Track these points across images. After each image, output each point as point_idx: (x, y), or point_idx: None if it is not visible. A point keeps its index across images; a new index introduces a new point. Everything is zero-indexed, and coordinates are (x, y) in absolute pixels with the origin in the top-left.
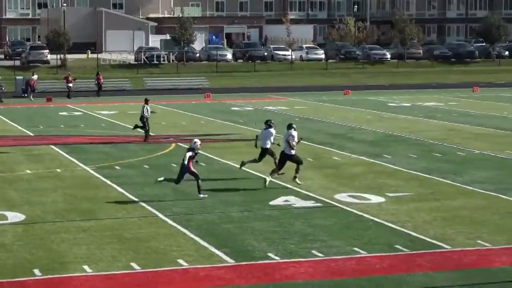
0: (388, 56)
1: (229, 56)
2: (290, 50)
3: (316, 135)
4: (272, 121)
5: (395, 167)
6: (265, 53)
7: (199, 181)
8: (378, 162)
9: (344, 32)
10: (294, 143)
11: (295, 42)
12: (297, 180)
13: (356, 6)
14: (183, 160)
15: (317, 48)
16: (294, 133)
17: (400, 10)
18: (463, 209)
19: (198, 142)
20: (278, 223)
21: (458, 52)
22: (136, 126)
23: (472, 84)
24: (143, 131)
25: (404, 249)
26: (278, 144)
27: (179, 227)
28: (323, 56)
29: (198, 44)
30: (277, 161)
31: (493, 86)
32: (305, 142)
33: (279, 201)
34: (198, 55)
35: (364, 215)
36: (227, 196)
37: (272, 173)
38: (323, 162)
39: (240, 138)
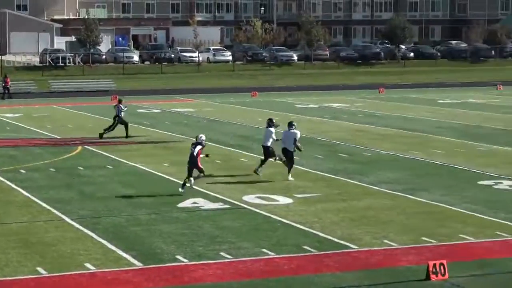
0: (295, 57)
1: (136, 58)
2: (197, 52)
3: (224, 137)
4: (273, 121)
5: (302, 168)
6: (172, 55)
7: (202, 174)
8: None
9: (251, 34)
10: (299, 144)
11: (202, 44)
12: (290, 178)
13: (262, 8)
14: (191, 155)
15: (224, 50)
16: (299, 133)
17: (306, 12)
18: (370, 210)
19: (203, 136)
20: (187, 225)
21: (364, 53)
22: (104, 132)
23: (378, 85)
24: (108, 131)
25: (312, 250)
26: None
27: (86, 230)
28: (230, 58)
29: (104, 46)
30: (277, 159)
31: (399, 87)
32: (213, 144)
33: (188, 203)
34: (104, 57)
35: (272, 216)
36: (134, 199)
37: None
38: (232, 164)
39: (147, 140)
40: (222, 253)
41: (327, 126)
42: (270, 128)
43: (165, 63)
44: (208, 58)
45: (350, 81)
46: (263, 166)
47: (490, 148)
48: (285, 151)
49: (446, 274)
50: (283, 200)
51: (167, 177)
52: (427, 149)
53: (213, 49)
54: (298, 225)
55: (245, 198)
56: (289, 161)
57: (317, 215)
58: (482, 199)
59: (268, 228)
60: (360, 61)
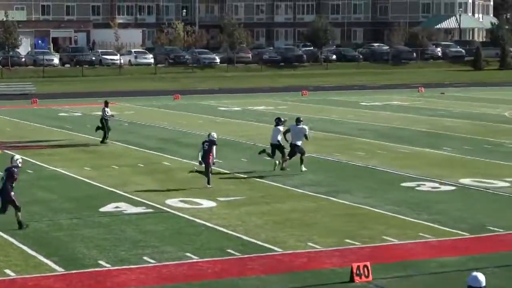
0: (218, 60)
1: (56, 60)
2: (118, 54)
3: (146, 140)
4: (282, 119)
5: (226, 171)
6: (93, 58)
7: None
8: None
9: (173, 37)
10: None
11: (123, 47)
12: (303, 169)
13: (184, 10)
14: (206, 151)
15: (146, 53)
16: (307, 128)
17: (228, 15)
18: (294, 212)
19: (215, 134)
20: (109, 230)
21: (287, 56)
22: (98, 128)
23: (301, 88)
24: (102, 132)
25: (236, 253)
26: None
27: (6, 236)
28: (152, 60)
29: (24, 48)
30: (286, 155)
31: (321, 90)
32: (135, 148)
33: (110, 207)
34: (23, 59)
35: (196, 220)
36: (56, 204)
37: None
38: (154, 167)
39: (68, 144)
40: (145, 258)
41: (251, 129)
42: (279, 127)
43: (86, 66)
44: (129, 61)
45: (273, 84)
46: (286, 160)
47: (413, 150)
48: (294, 146)
49: (370, 276)
50: (206, 203)
51: (88, 181)
52: (350, 151)
53: (134, 51)
54: (221, 229)
55: (168, 201)
56: (301, 152)
57: (241, 218)
58: (405, 200)
59: (191, 232)
60: (282, 63)
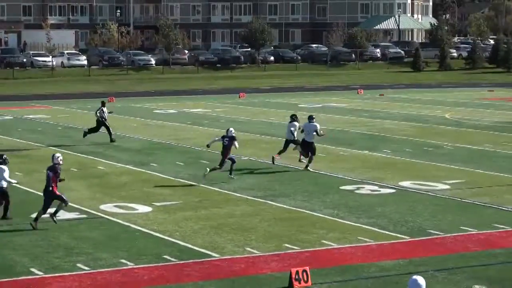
0: (153, 62)
1: None
2: (50, 56)
3: (80, 144)
4: (297, 116)
5: (162, 175)
6: (24, 60)
7: (234, 164)
8: (145, 170)
9: (107, 38)
10: (321, 132)
11: (55, 48)
12: (309, 168)
13: (119, 11)
14: (225, 147)
15: (79, 54)
16: (318, 125)
17: (164, 15)
18: (231, 217)
19: (233, 129)
20: (42, 236)
21: (224, 57)
22: (91, 130)
23: (238, 90)
24: (93, 133)
25: (173, 259)
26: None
27: None
28: (85, 62)
29: None
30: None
31: (259, 92)
32: (68, 152)
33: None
34: None
35: (131, 225)
36: None
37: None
38: (88, 172)
39: None
40: (79, 265)
41: (188, 132)
42: (294, 122)
43: (17, 68)
44: (62, 62)
45: (210, 86)
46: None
47: (352, 152)
48: (305, 142)
49: (309, 281)
50: (142, 208)
51: (20, 186)
52: (289, 154)
53: (67, 53)
54: (158, 234)
55: (103, 207)
56: (312, 151)
57: (178, 224)
58: (344, 204)
59: (127, 238)
60: (219, 65)
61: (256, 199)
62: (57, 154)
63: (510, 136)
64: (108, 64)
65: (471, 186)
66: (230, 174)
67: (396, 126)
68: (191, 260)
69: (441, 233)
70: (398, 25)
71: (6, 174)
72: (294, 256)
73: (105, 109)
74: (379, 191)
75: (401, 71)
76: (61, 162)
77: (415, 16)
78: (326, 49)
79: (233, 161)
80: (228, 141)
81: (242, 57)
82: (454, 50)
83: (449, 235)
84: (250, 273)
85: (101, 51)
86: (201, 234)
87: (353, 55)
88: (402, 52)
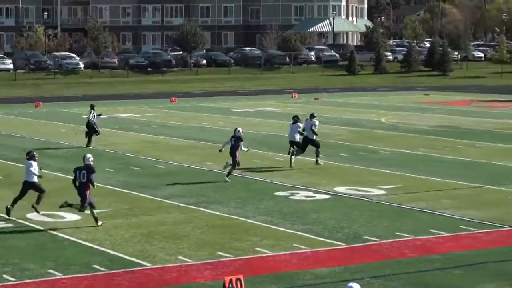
0: (82, 65)
1: None
2: None
3: (6, 151)
4: (299, 117)
5: None
6: None
7: (234, 167)
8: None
9: (34, 41)
10: (316, 130)
11: None
12: (319, 162)
13: (46, 13)
14: (233, 146)
15: (4, 58)
16: (317, 121)
17: (93, 17)
18: (163, 225)
19: (241, 129)
20: None
21: (155, 61)
22: (87, 134)
23: (170, 94)
24: (88, 137)
25: (103, 269)
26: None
27: None
28: (11, 66)
29: None
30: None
31: (192, 96)
32: None
33: None
34: None
35: (60, 234)
36: None
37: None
38: (15, 179)
39: None
40: (5, 276)
41: (118, 137)
42: (298, 123)
43: None
44: None
45: (140, 90)
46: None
47: (287, 157)
48: (306, 139)
49: None
50: (70, 216)
51: None
52: (222, 159)
53: None
54: (87, 243)
55: (30, 215)
56: (315, 145)
57: (107, 232)
58: (279, 210)
59: (55, 247)
60: (150, 69)
61: (189, 206)
62: (88, 155)
63: (446, 140)
64: (35, 68)
65: (407, 191)
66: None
67: (331, 131)
68: (122, 270)
69: (377, 239)
70: (333, 28)
71: (36, 169)
72: (228, 264)
73: (95, 112)
74: (314, 197)
75: (336, 75)
76: (92, 163)
77: (350, 18)
78: (259, 52)
79: (234, 160)
80: (235, 141)
81: (174, 61)
82: (390, 53)
83: (385, 241)
84: (183, 282)
85: (27, 54)
86: (132, 242)
87: (287, 58)
88: (337, 55)
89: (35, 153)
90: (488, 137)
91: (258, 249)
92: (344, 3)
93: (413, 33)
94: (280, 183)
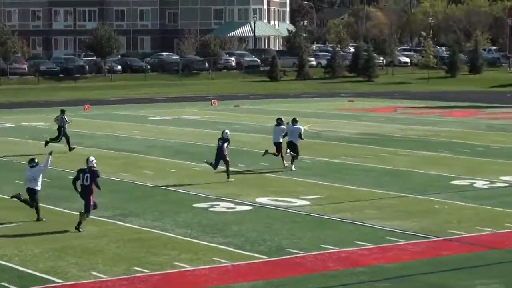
0: None
1: None
2: None
3: None
4: (282, 120)
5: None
6: None
7: (228, 167)
8: None
9: None
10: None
11: None
12: (293, 167)
13: None
14: (220, 148)
15: None
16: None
17: (1, 21)
18: (76, 239)
19: (228, 132)
20: None
21: (67, 67)
22: (55, 138)
23: (83, 102)
24: (54, 141)
25: (12, 286)
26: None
27: None
28: None
29: None
30: (283, 154)
31: (105, 103)
32: None
33: None
34: None
35: None
36: None
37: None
38: None
39: None
40: None
41: (26, 147)
42: (282, 126)
43: None
44: None
45: (52, 98)
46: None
47: (206, 167)
48: (290, 143)
49: None
50: None
51: None
52: (138, 170)
53: None
54: None
55: None
56: (295, 152)
57: (17, 247)
58: (198, 223)
59: None
60: (62, 75)
61: (103, 219)
62: (91, 158)
63: (371, 149)
64: None
65: (332, 202)
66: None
67: (252, 139)
68: (32, 287)
69: (300, 252)
70: (254, 32)
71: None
72: (144, 279)
73: (65, 117)
74: (235, 208)
75: (258, 81)
76: (95, 165)
77: (272, 22)
78: (177, 57)
79: (225, 163)
80: (222, 143)
81: (87, 67)
82: (313, 58)
83: (309, 253)
84: None
85: None
86: (43, 258)
87: (206, 63)
88: (258, 60)
89: (38, 160)
90: (414, 145)
91: (176, 263)
92: (265, 6)
93: (337, 38)
94: (199, 194)
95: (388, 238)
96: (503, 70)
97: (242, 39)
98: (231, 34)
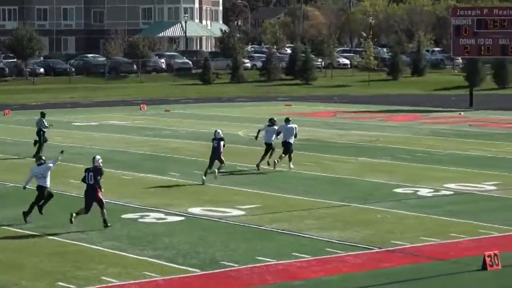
0: None
1: None
2: None
3: None
4: (275, 120)
5: None
6: None
7: (223, 165)
8: None
9: None
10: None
11: None
12: (291, 164)
13: None
14: (215, 148)
15: None
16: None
17: None
18: None
19: (220, 131)
20: None
21: None
22: (35, 142)
23: (3, 107)
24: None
25: None
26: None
27: None
28: None
29: None
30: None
31: (27, 109)
32: None
33: None
34: None
35: None
36: None
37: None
38: None
39: None
40: None
41: None
42: (274, 126)
43: None
44: None
45: None
46: (274, 157)
47: (135, 176)
48: (285, 143)
49: None
50: None
51: None
52: (63, 179)
53: None
54: None
55: None
56: (290, 151)
57: None
58: (126, 235)
59: None
60: None
61: (26, 231)
62: (98, 157)
63: (310, 155)
64: None
65: (268, 211)
66: (216, 173)
67: (183, 146)
68: None
69: (235, 265)
70: (185, 33)
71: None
72: None
73: (44, 120)
74: (166, 219)
75: (189, 84)
76: (101, 165)
77: (204, 22)
78: (104, 59)
79: (221, 162)
80: (217, 143)
81: (7, 69)
82: (248, 60)
83: (244, 266)
84: None
85: None
86: None
87: (135, 66)
88: (190, 62)
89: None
90: (355, 151)
91: (104, 278)
92: (197, 5)
93: (273, 38)
94: (128, 204)
95: (328, 249)
96: (447, 72)
97: (172, 40)
98: (161, 34)
